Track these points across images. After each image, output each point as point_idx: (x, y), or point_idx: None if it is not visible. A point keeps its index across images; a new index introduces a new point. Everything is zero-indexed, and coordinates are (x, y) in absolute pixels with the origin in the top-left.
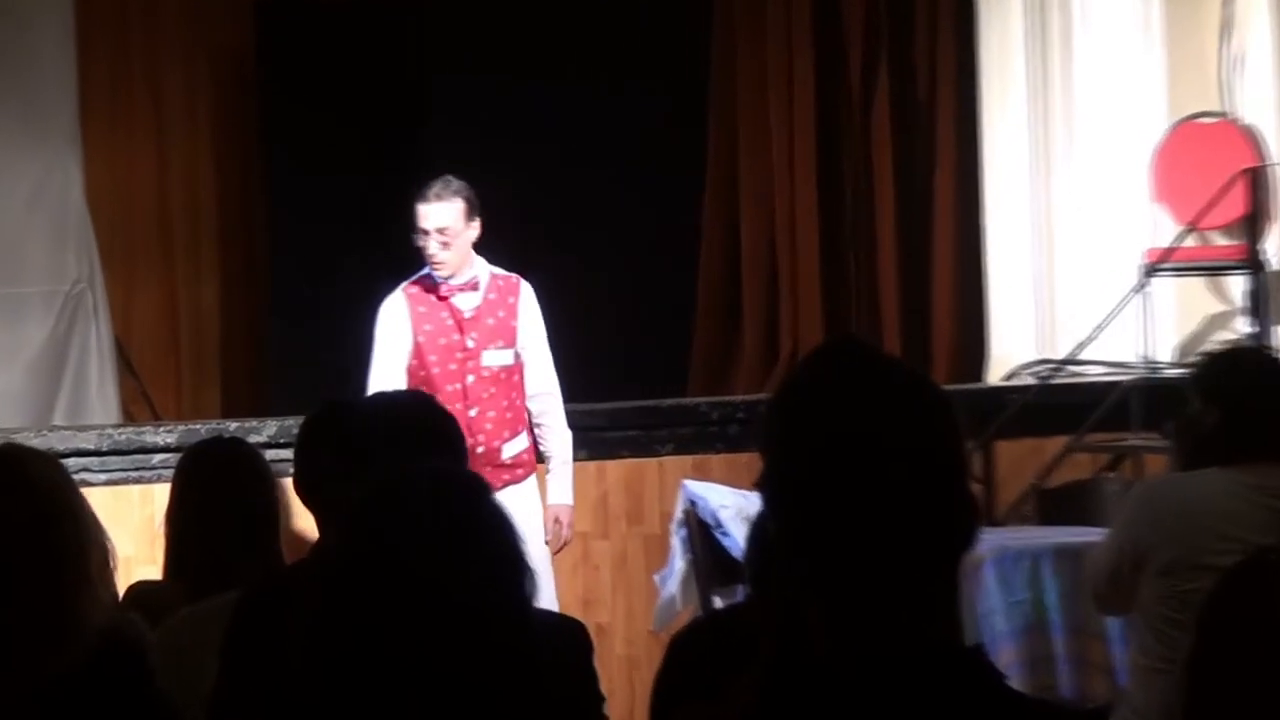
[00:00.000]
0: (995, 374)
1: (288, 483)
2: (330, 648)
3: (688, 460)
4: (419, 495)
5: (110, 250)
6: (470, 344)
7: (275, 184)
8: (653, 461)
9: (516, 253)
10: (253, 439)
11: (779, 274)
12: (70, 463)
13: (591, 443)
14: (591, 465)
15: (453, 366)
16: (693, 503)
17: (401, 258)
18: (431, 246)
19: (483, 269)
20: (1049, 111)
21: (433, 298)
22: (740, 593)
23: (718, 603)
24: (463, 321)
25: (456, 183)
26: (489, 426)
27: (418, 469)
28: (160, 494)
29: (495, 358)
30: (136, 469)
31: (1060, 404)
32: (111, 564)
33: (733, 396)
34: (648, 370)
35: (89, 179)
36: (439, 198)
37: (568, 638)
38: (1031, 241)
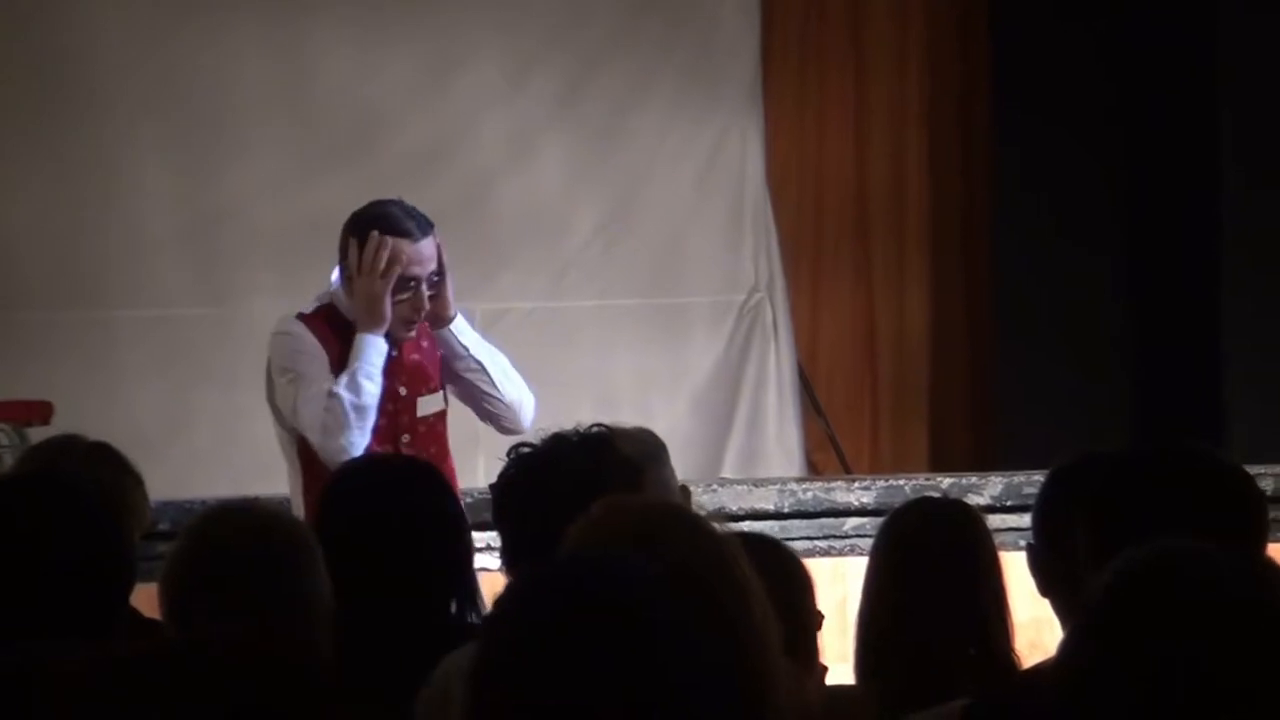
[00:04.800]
0: None
1: (1014, 558)
2: None
3: None
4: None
5: (793, 247)
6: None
7: (1005, 162)
8: None
9: None
10: (972, 500)
11: None
12: (743, 526)
13: None
14: None
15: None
16: None
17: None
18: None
19: None
20: None
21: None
22: None
23: None
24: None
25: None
26: None
27: None
28: (855, 570)
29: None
30: (825, 536)
31: None
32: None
33: None
34: None
35: (768, 151)
36: (426, 232)
37: None
38: None
